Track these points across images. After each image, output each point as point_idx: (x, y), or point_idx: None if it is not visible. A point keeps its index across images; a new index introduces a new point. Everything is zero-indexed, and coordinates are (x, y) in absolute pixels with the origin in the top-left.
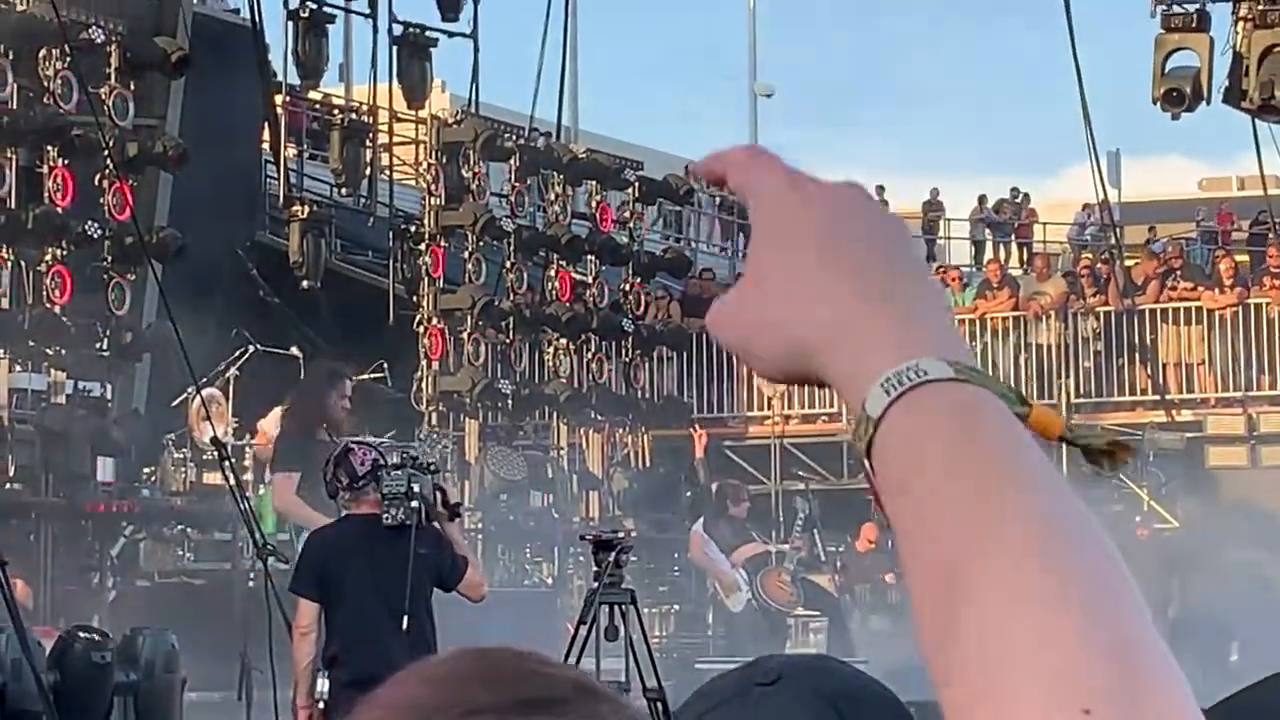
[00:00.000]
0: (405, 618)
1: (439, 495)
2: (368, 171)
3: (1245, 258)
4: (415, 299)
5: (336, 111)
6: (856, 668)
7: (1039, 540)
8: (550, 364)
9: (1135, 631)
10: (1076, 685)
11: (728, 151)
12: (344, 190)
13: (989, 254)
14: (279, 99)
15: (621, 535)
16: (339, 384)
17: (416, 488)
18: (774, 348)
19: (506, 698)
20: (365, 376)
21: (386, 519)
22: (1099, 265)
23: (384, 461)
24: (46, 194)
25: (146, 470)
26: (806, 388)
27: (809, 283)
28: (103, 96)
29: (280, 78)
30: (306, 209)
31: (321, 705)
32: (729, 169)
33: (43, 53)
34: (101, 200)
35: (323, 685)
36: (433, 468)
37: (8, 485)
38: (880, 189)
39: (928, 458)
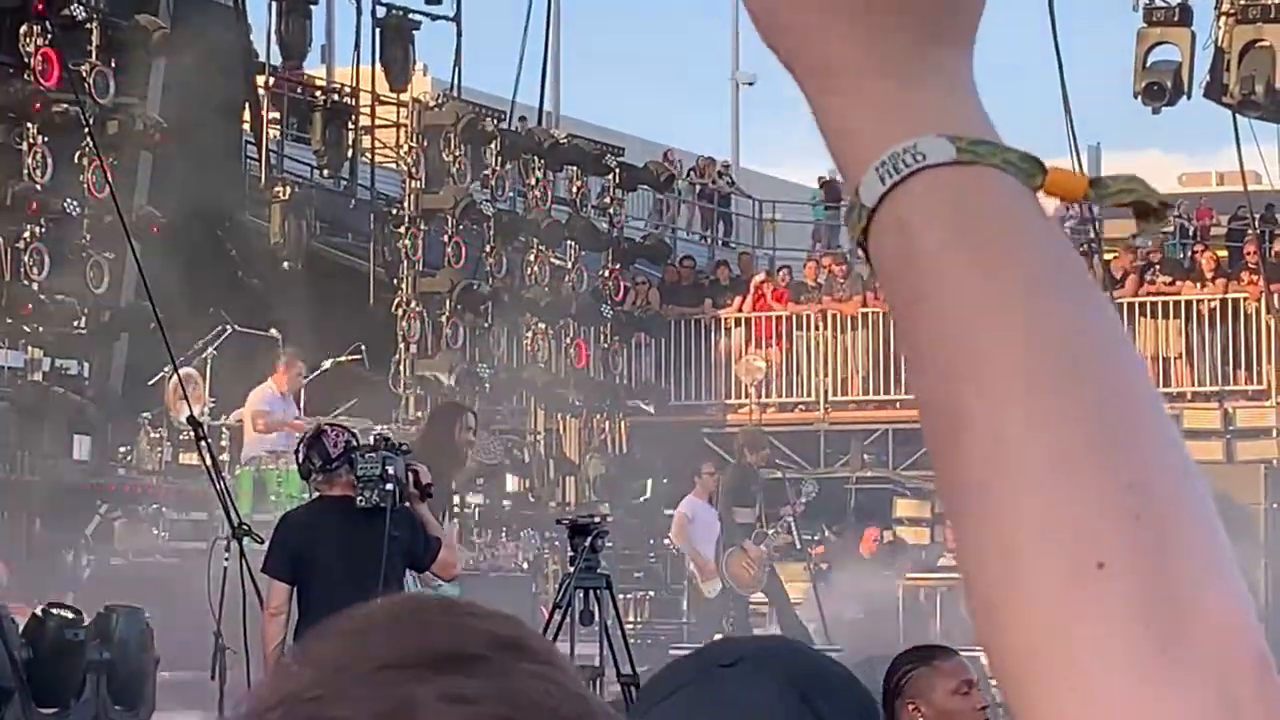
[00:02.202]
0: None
1: (411, 476)
2: (349, 154)
3: (1224, 253)
4: (395, 282)
5: (318, 93)
6: (820, 650)
7: (1039, 356)
8: (528, 349)
9: (1160, 464)
10: (1088, 534)
11: None
12: (325, 172)
13: None
14: (261, 79)
15: (597, 520)
16: (463, 416)
17: (391, 470)
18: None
19: (415, 652)
20: (343, 359)
21: (360, 501)
22: None
23: (356, 443)
24: (25, 170)
25: (122, 449)
26: (784, 378)
27: None
28: (83, 74)
29: (262, 58)
30: (287, 190)
31: None
32: None
33: (24, 29)
34: (81, 178)
35: None
36: (405, 448)
37: None
38: None
39: (920, 261)
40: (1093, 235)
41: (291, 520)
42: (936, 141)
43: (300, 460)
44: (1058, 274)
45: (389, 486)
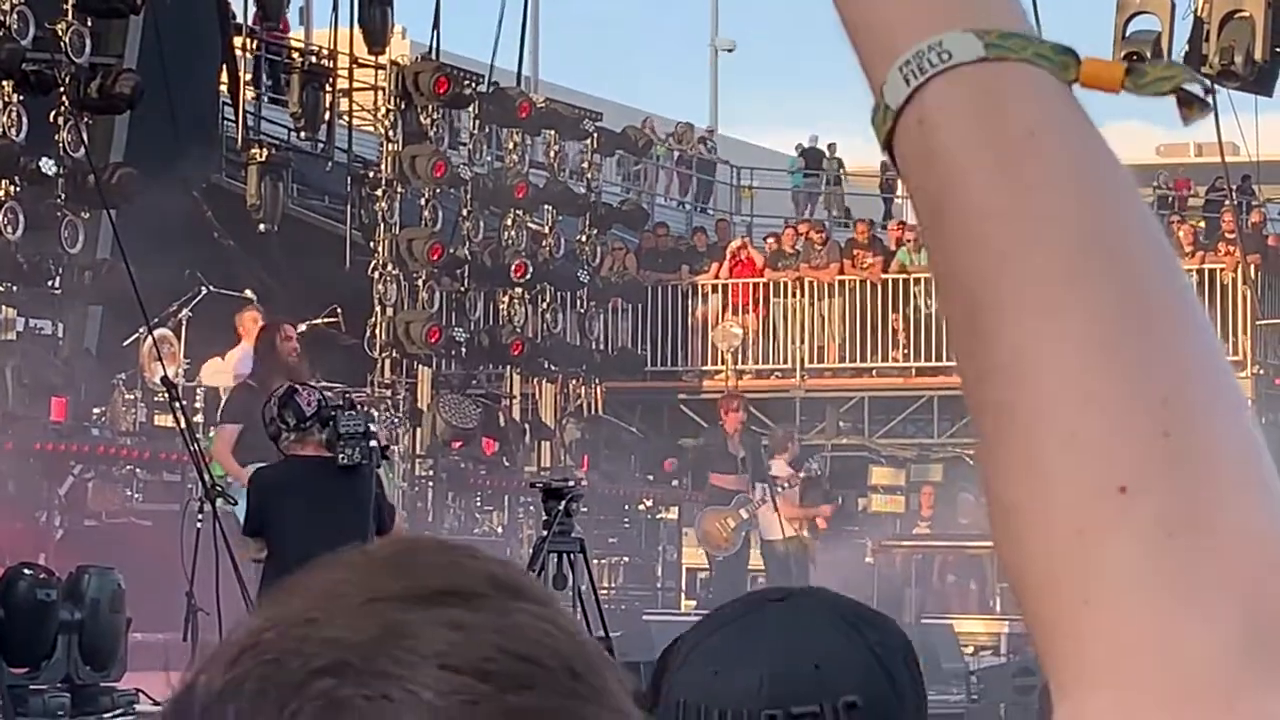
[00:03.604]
0: None
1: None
2: (326, 116)
3: (1202, 224)
4: (371, 245)
5: (296, 55)
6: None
7: (1063, 262)
8: (505, 313)
9: (1194, 376)
10: (1111, 453)
11: None
12: (302, 134)
13: None
14: (238, 40)
15: (571, 484)
16: (280, 329)
17: (373, 428)
18: None
19: (412, 586)
20: (319, 322)
21: (342, 459)
22: None
23: (326, 403)
24: (0, 129)
25: (96, 410)
26: (761, 345)
27: None
28: (59, 33)
29: (240, 19)
30: (264, 152)
31: None
32: None
33: None
34: (56, 138)
35: None
36: (371, 413)
37: None
38: (832, 146)
39: (940, 162)
40: None
41: (265, 479)
42: (963, 38)
43: (269, 419)
44: (1087, 173)
45: (372, 444)
